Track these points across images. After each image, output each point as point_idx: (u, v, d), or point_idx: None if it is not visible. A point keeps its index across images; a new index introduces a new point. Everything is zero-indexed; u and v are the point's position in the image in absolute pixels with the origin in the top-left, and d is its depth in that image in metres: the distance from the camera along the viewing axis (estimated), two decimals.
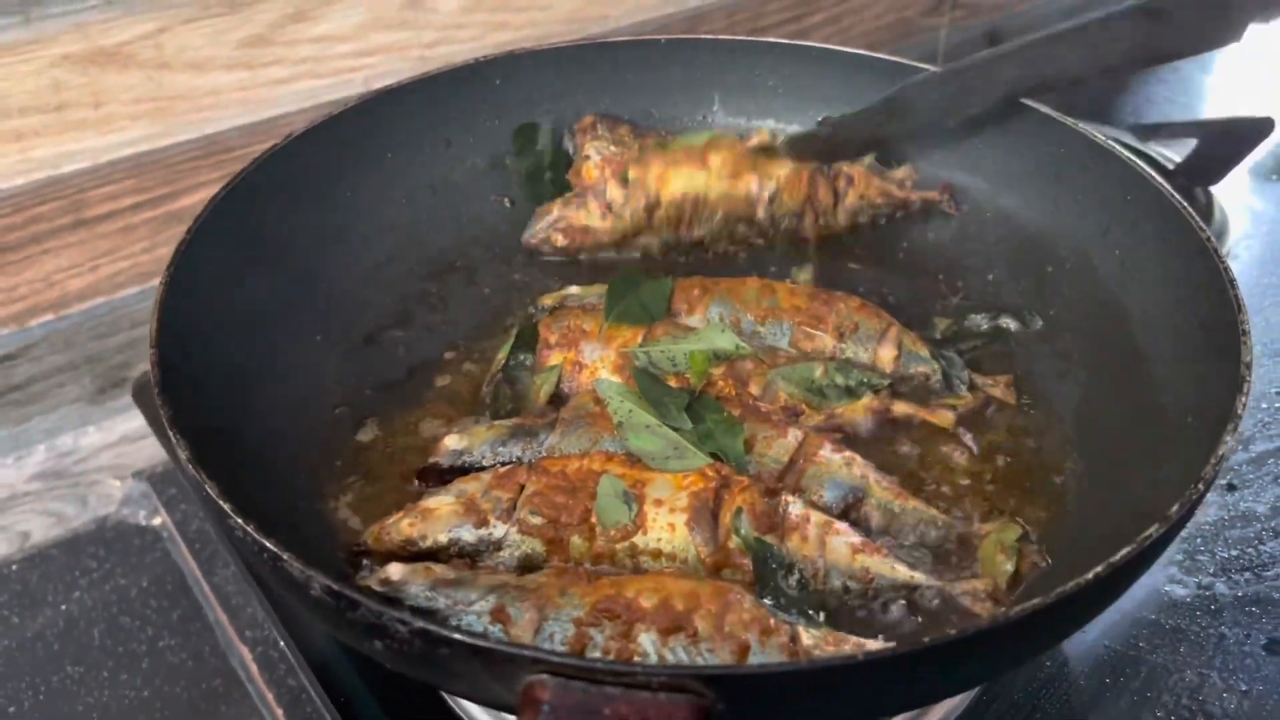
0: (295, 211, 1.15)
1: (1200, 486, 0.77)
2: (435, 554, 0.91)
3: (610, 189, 1.24)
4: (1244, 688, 1.01)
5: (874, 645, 0.81)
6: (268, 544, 0.73)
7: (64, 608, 1.25)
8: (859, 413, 1.05)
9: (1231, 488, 1.19)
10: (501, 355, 1.11)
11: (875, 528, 0.96)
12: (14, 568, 1.29)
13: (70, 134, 1.32)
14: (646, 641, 0.78)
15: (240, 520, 0.75)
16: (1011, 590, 0.91)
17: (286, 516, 0.93)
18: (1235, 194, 1.63)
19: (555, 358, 1.08)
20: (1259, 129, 1.54)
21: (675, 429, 0.96)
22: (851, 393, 1.05)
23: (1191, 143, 1.55)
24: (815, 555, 0.89)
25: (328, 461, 1.03)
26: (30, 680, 1.15)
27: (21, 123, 1.29)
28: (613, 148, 1.29)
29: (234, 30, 1.38)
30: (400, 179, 1.27)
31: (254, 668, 1.14)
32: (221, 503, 0.76)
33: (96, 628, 1.23)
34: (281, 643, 1.12)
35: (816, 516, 0.91)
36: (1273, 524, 1.15)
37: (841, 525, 0.91)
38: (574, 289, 1.20)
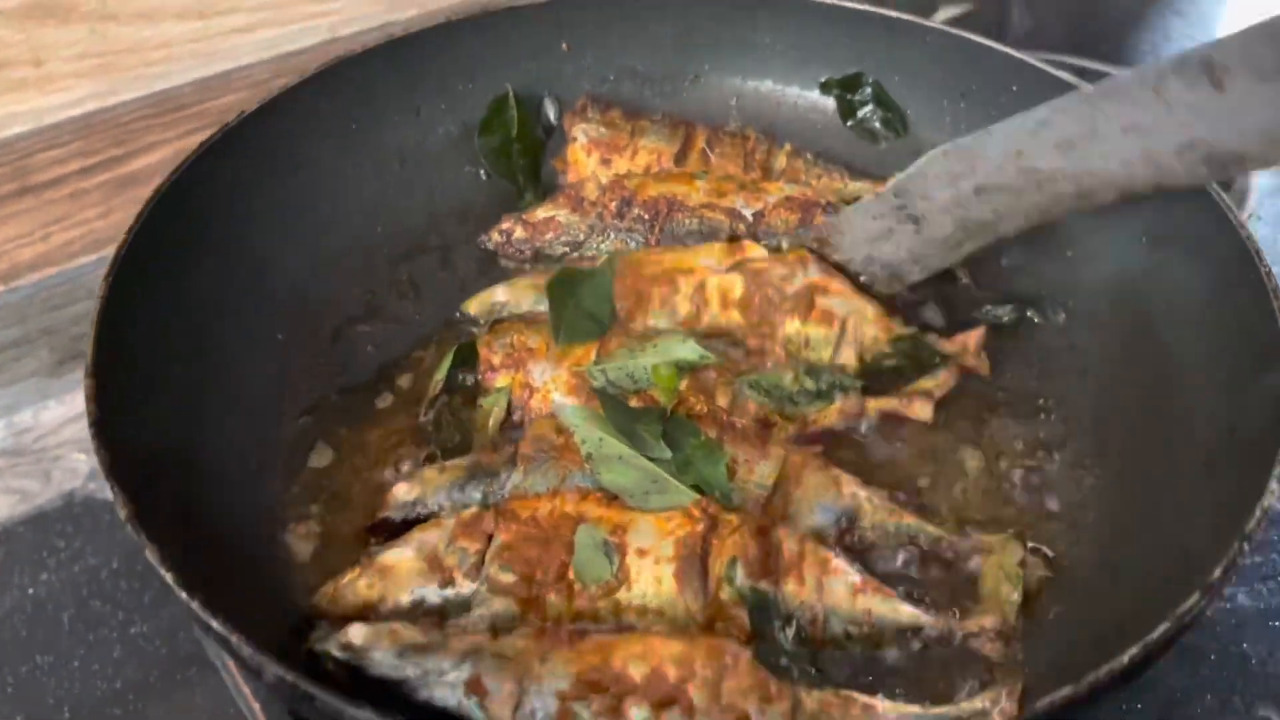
0: (249, 197, 1.07)
1: (1244, 545, 0.70)
2: (398, 616, 0.84)
3: (587, 186, 1.14)
4: (1264, 713, 0.95)
5: (881, 706, 0.76)
6: (214, 624, 0.67)
7: (31, 591, 1.20)
8: (833, 416, 0.99)
9: None
10: (438, 377, 1.01)
11: (870, 546, 0.90)
12: None
13: (10, 95, 1.25)
14: (638, 717, 0.72)
15: (185, 594, 0.68)
16: (1020, 620, 0.85)
17: (241, 550, 0.87)
18: None
19: (501, 380, 0.99)
20: None
21: (651, 459, 0.89)
22: (823, 395, 0.99)
23: None
24: (813, 600, 0.83)
25: (285, 486, 0.96)
26: None
27: None
28: (602, 129, 1.19)
29: None
30: (366, 151, 1.18)
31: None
32: (165, 571, 0.69)
33: (66, 612, 1.18)
34: None
35: (811, 554, 0.85)
36: None
37: (838, 561, 0.85)
38: (500, 294, 1.09)
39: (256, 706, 1.05)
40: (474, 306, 1.09)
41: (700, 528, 0.84)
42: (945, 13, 1.81)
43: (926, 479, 0.97)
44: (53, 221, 1.33)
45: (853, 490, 0.91)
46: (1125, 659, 0.64)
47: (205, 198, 1.01)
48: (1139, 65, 0.87)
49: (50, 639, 1.14)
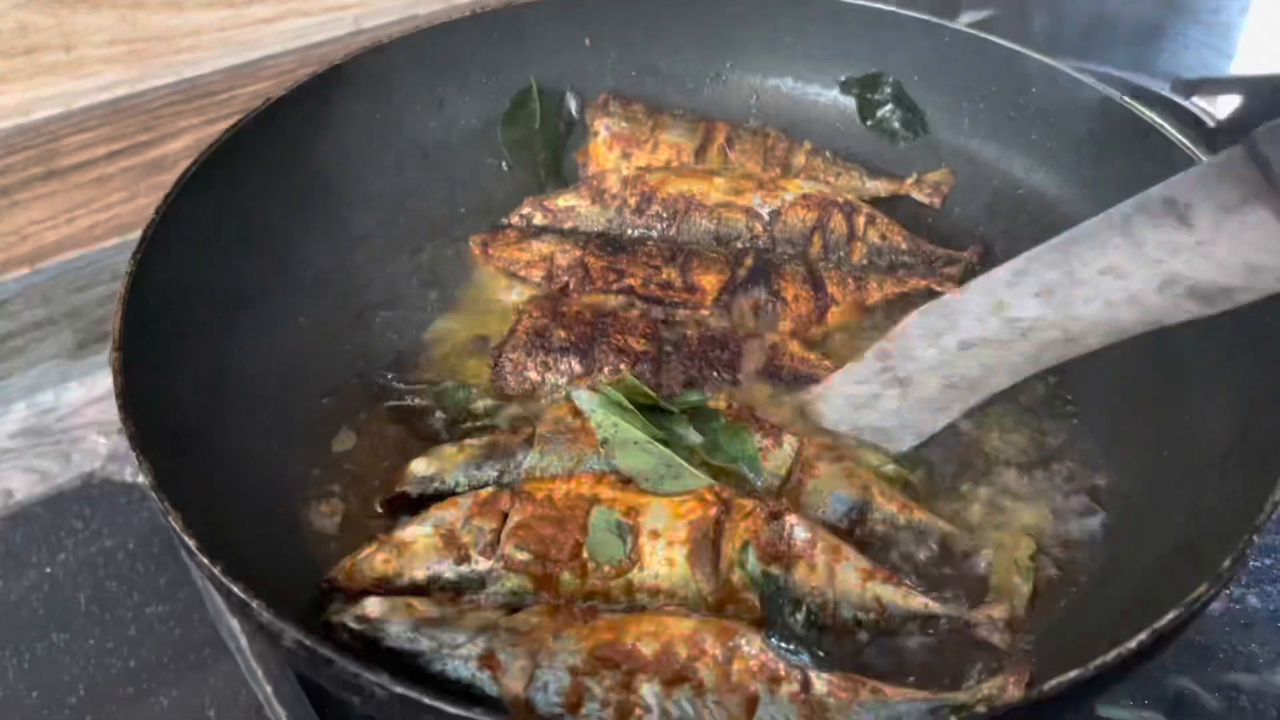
0: (276, 183, 1.07)
1: (1253, 538, 0.71)
2: (413, 591, 0.84)
3: (609, 178, 1.15)
4: (1275, 713, 0.96)
5: (889, 690, 0.76)
6: (234, 589, 0.68)
7: (49, 570, 1.21)
8: None
9: None
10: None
11: (880, 540, 0.91)
12: None
13: (40, 79, 1.25)
14: (649, 693, 0.73)
15: (207, 560, 0.69)
16: (1029, 611, 0.86)
17: (262, 524, 0.88)
18: None
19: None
20: None
21: (682, 443, 0.89)
22: None
23: (1235, 100, 1.45)
24: (824, 586, 0.84)
25: (307, 467, 0.97)
26: (15, 648, 1.12)
27: None
28: (624, 123, 1.20)
29: None
30: (390, 142, 1.19)
31: (243, 640, 1.09)
32: (188, 537, 0.70)
33: (82, 592, 1.19)
34: None
35: (823, 540, 0.85)
36: None
37: (849, 550, 0.86)
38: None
39: (269, 688, 1.06)
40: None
41: (713, 512, 0.85)
42: (967, 17, 1.81)
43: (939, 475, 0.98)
44: (78, 205, 1.34)
45: (865, 483, 0.92)
46: (1134, 644, 0.65)
47: (231, 182, 1.02)
48: (1105, 212, 0.86)
49: (67, 618, 1.15)
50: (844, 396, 0.99)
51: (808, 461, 0.92)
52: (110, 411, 1.38)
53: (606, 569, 0.83)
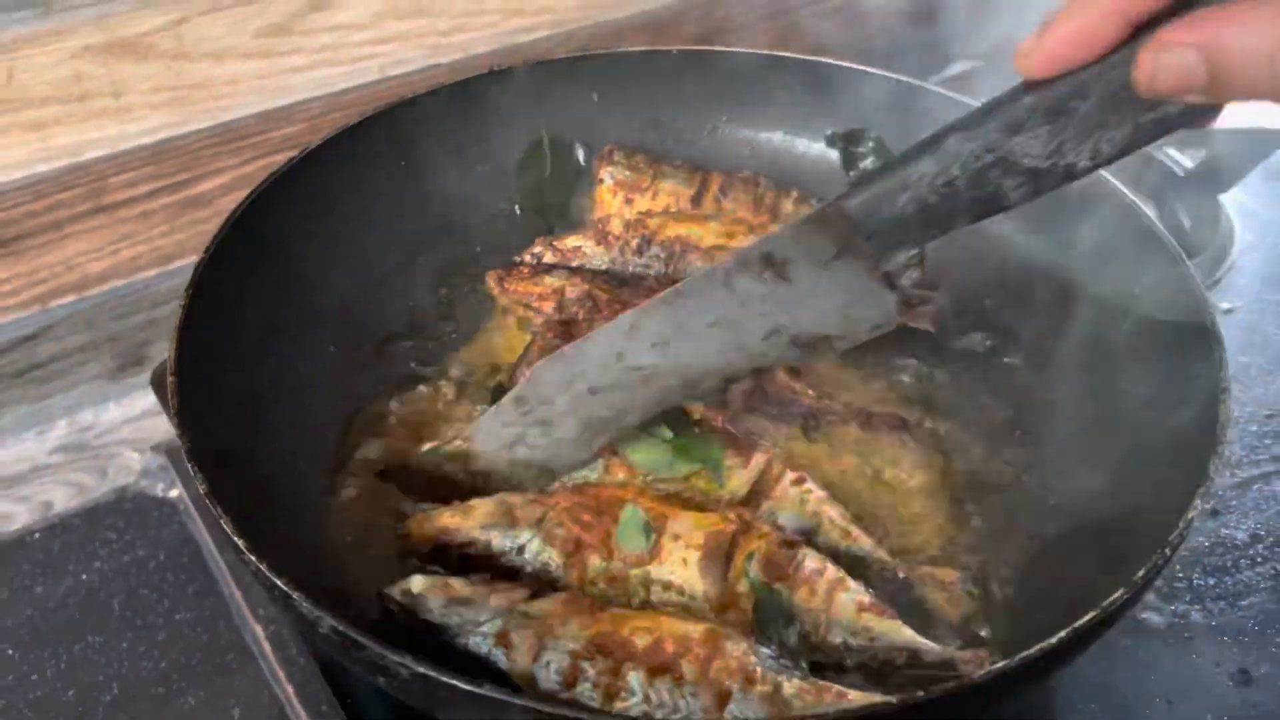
0: (310, 224, 1.17)
1: (1165, 551, 0.81)
2: (465, 548, 0.97)
3: (613, 222, 1.26)
4: (1209, 718, 1.05)
5: (854, 694, 0.84)
6: (279, 582, 0.77)
7: (85, 577, 1.28)
8: None
9: (1214, 513, 1.22)
10: None
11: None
12: (36, 536, 1.31)
13: (91, 123, 1.34)
14: (634, 680, 0.83)
15: (254, 557, 0.79)
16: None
17: (292, 532, 0.98)
18: (1244, 199, 1.63)
19: None
20: (1273, 140, 1.53)
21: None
22: None
23: (1202, 152, 1.55)
24: (820, 609, 0.92)
25: (333, 479, 1.07)
26: (53, 649, 1.18)
27: (43, 112, 1.31)
28: (627, 172, 1.31)
29: (252, 20, 1.39)
30: (413, 188, 1.29)
31: (267, 645, 1.17)
32: (237, 539, 0.80)
33: (116, 599, 1.26)
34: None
35: (830, 573, 0.94)
36: (1250, 552, 1.18)
37: (852, 582, 0.94)
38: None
39: (290, 689, 1.15)
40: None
41: (732, 528, 0.95)
42: (958, 67, 1.90)
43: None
44: (122, 238, 1.42)
45: (817, 509, 1.01)
46: (1055, 641, 0.74)
47: (271, 223, 1.12)
48: (709, 267, 0.94)
49: (101, 622, 1.21)
50: (494, 437, 1.04)
51: (770, 482, 1.02)
52: (144, 430, 1.52)
53: (628, 557, 0.94)
